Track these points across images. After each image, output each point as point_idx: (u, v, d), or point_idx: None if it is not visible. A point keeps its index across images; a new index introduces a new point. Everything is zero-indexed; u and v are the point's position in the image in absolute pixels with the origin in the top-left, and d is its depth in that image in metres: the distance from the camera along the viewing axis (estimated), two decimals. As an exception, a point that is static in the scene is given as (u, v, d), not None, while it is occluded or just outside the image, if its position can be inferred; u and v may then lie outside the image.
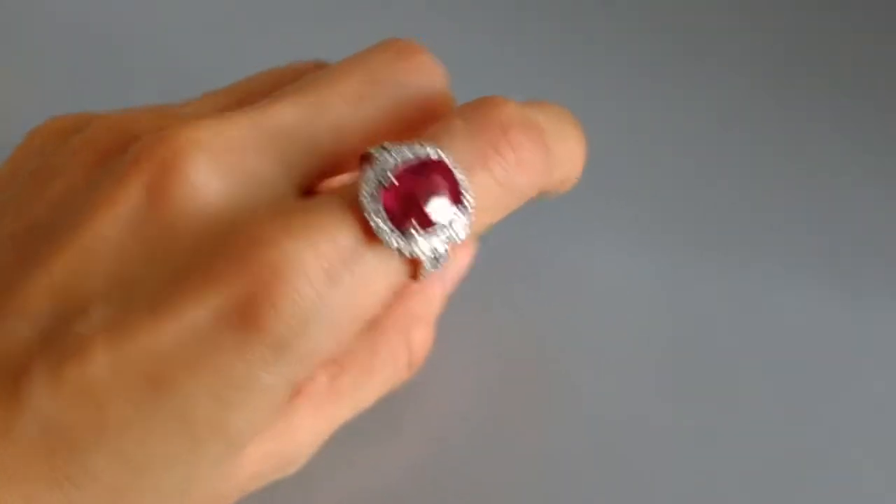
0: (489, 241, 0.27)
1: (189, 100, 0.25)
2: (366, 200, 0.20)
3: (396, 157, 0.20)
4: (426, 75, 0.23)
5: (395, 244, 0.20)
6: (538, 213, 0.28)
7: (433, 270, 0.21)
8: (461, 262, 0.26)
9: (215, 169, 0.21)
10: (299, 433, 0.23)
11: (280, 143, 0.22)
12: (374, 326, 0.24)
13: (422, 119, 0.23)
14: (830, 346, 0.28)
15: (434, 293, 0.25)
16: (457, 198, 0.20)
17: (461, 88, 0.24)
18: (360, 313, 0.20)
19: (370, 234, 0.20)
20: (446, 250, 0.20)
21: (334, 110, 0.22)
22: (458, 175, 0.21)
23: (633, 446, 0.26)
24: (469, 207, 0.21)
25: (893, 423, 0.27)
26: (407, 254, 0.20)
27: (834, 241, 0.30)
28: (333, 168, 0.22)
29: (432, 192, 0.20)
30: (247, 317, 0.19)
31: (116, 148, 0.22)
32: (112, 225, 0.20)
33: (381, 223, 0.20)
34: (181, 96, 0.25)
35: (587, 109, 0.32)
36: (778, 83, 0.33)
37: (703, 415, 0.27)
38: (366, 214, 0.20)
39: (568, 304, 0.28)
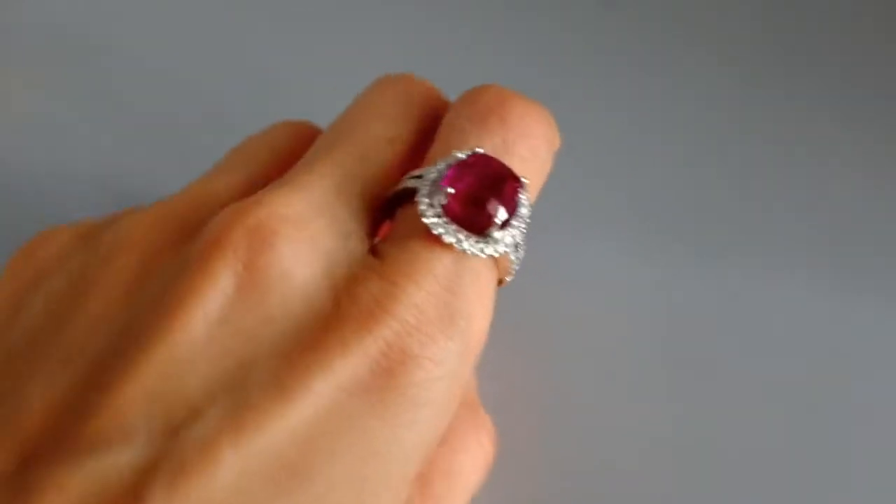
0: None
1: (190, 183, 0.22)
2: (435, 224, 0.19)
3: (435, 172, 0.20)
4: (429, 94, 0.23)
5: (480, 249, 0.19)
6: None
7: (516, 261, 0.20)
8: None
9: (301, 238, 0.19)
10: None
11: (348, 198, 0.21)
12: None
13: (432, 128, 0.22)
14: (830, 347, 0.28)
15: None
16: (514, 178, 0.20)
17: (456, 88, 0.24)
18: (482, 331, 0.20)
19: (456, 252, 0.19)
20: (523, 233, 0.20)
21: (380, 155, 0.21)
22: (500, 159, 0.20)
23: (629, 448, 0.26)
24: (525, 183, 0.20)
25: (893, 424, 0.27)
26: (495, 254, 0.20)
27: (833, 240, 0.30)
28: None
29: (488, 184, 0.20)
30: (381, 375, 0.18)
31: (170, 239, 0.20)
32: (201, 318, 0.18)
33: (462, 239, 0.19)
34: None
35: (583, 109, 0.32)
36: (773, 81, 0.33)
37: (701, 414, 0.27)
38: (444, 238, 0.19)
39: (563, 305, 0.28)
